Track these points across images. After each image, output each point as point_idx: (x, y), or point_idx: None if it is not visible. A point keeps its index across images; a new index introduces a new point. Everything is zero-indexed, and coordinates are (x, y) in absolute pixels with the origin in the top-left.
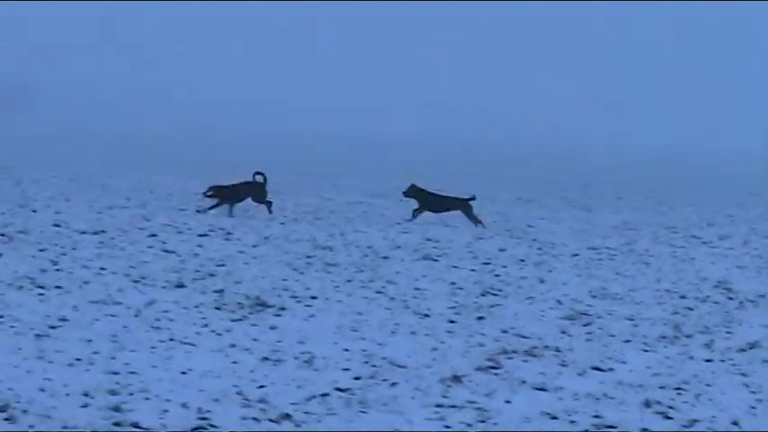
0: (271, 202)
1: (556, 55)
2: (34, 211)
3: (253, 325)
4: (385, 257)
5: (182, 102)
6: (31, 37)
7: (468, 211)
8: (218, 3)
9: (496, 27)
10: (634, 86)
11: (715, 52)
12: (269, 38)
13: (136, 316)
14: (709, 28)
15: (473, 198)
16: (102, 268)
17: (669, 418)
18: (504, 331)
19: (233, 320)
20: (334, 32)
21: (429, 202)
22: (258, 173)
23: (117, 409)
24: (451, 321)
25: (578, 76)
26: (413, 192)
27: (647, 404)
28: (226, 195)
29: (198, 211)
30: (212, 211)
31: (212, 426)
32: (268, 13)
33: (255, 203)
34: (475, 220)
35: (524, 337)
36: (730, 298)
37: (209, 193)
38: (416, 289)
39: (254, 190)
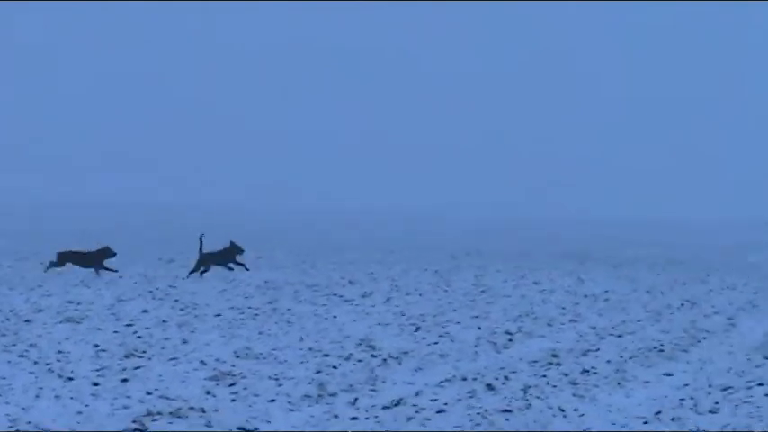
0: None
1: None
2: None
3: None
4: (27, 321)
5: None
6: None
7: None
8: None
9: None
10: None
11: None
12: None
13: None
14: None
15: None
16: None
17: None
18: (149, 393)
19: None
20: None
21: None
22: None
23: None
24: (96, 384)
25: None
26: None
27: None
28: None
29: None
30: None
31: None
32: None
33: None
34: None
35: (169, 398)
36: (374, 355)
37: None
38: (59, 352)
39: None
